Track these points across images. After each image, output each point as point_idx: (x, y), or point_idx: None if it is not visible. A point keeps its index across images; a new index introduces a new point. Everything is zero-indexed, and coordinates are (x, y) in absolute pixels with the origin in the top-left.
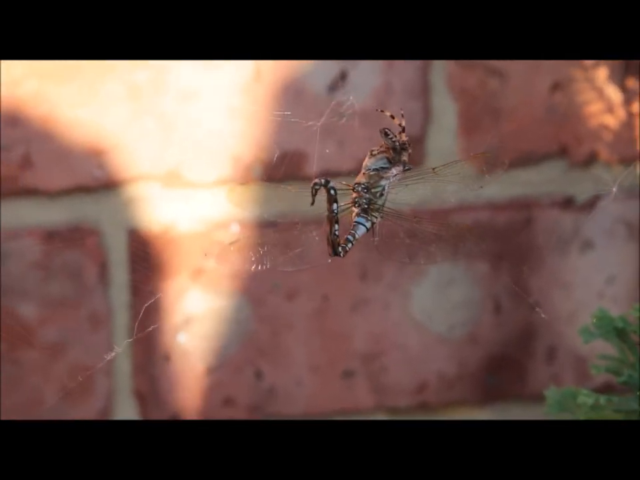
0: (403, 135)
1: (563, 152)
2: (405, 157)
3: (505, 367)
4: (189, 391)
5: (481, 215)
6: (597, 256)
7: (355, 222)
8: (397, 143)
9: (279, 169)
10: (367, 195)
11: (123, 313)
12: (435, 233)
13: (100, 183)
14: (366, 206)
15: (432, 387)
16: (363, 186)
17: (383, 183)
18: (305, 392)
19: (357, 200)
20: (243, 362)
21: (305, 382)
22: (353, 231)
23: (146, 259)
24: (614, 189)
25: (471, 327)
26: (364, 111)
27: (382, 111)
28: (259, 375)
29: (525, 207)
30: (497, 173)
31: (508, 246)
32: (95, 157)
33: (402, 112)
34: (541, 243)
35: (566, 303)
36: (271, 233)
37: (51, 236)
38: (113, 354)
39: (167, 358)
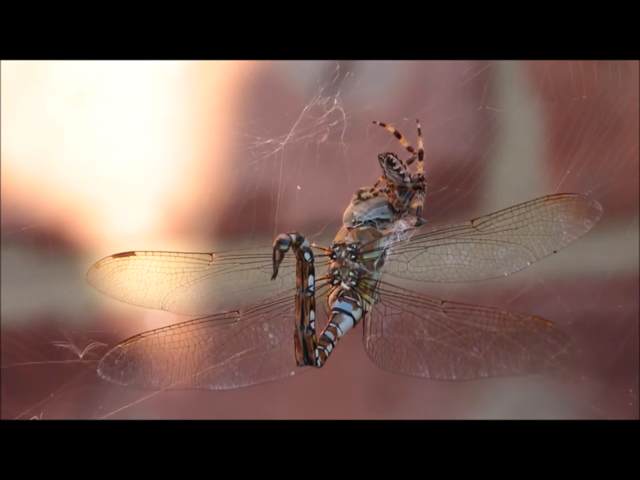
0: (420, 164)
1: None
2: (419, 202)
3: None
4: None
5: (585, 302)
6: None
7: (335, 308)
8: (407, 178)
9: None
10: (355, 265)
11: None
12: (479, 327)
13: None
14: (353, 283)
15: None
16: (348, 249)
17: (381, 244)
18: None
19: (337, 272)
20: None
21: None
22: (333, 324)
23: None
24: None
25: None
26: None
27: (381, 125)
28: None
29: None
30: (587, 227)
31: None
32: None
33: (418, 125)
34: None
35: None
36: (190, 325)
37: None
38: None
39: None
